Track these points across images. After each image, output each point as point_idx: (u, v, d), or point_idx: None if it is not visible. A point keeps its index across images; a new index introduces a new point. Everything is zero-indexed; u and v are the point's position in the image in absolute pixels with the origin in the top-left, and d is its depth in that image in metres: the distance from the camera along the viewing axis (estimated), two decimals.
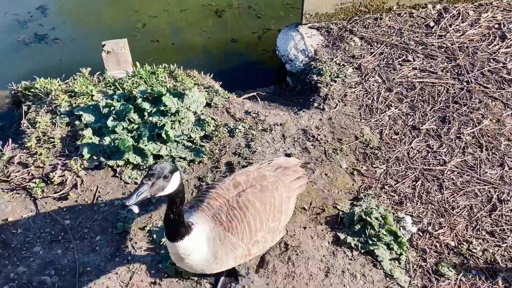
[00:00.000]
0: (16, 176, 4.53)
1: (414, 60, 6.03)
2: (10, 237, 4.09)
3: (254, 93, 5.92)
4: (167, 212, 2.78)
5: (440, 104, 5.48)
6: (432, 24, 6.52)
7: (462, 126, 5.21)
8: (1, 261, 3.91)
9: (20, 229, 4.15)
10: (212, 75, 5.82)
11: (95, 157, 4.68)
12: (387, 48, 6.20)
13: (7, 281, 3.78)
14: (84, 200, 4.39)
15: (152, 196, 2.62)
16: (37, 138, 4.88)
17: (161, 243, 4.01)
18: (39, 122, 4.99)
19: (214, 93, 5.47)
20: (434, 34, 6.36)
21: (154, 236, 4.07)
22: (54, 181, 4.45)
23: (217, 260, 3.12)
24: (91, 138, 4.80)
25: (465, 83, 5.70)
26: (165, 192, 2.64)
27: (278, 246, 4.05)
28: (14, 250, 4.00)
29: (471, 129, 5.18)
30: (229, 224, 3.18)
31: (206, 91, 5.49)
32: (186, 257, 3.00)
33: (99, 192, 4.45)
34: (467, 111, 5.38)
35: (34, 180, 4.48)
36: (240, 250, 3.22)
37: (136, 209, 3.85)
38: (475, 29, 6.42)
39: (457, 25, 6.48)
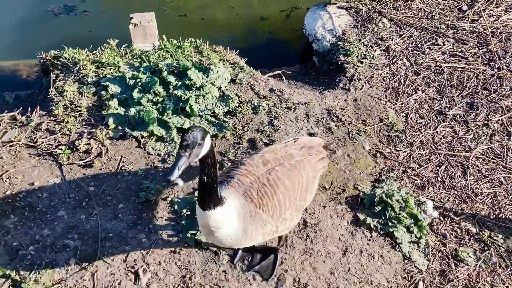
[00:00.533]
0: (43, 142, 4.63)
1: (444, 44, 5.90)
2: (36, 200, 4.20)
3: (279, 71, 5.89)
4: (201, 176, 2.79)
5: (468, 89, 5.37)
6: (465, 8, 6.35)
7: (490, 113, 5.11)
8: (27, 223, 4.03)
9: (46, 194, 4.25)
10: (237, 52, 5.80)
11: (120, 128, 4.74)
12: (416, 31, 6.07)
13: (33, 242, 3.89)
14: (108, 168, 4.46)
15: (189, 164, 2.65)
16: (64, 106, 4.96)
17: (182, 213, 4.07)
18: (67, 91, 5.07)
19: (239, 70, 5.46)
20: (467, 18, 6.20)
21: (176, 207, 4.13)
22: (80, 148, 4.54)
23: (246, 235, 3.16)
24: (116, 109, 4.86)
25: (496, 70, 5.57)
26: (200, 157, 2.68)
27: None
28: (40, 213, 4.11)
29: (499, 116, 5.07)
30: (260, 201, 3.21)
31: (231, 67, 5.49)
32: (216, 231, 3.03)
33: (123, 161, 4.52)
34: (496, 98, 5.26)
35: (60, 147, 4.57)
36: (269, 227, 3.26)
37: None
38: (509, 14, 6.23)
39: (491, 9, 6.30)
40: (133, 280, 3.69)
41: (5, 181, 4.32)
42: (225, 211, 2.96)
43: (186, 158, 2.61)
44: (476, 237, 4.09)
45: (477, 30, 6.05)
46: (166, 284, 3.67)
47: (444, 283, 3.79)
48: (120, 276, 3.71)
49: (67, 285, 3.64)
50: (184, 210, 4.07)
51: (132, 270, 3.74)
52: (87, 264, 3.77)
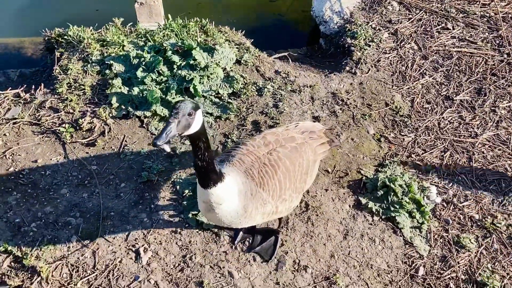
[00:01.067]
0: (47, 120, 4.63)
1: (453, 29, 5.80)
2: (39, 178, 4.21)
3: (286, 53, 5.83)
4: (195, 160, 2.80)
5: (477, 75, 5.28)
6: None
7: (498, 99, 5.03)
8: (30, 200, 4.05)
9: (49, 171, 4.26)
10: (243, 32, 5.73)
11: (123, 107, 4.72)
12: (426, 15, 5.96)
13: (35, 219, 3.91)
14: (111, 147, 4.46)
15: (179, 135, 2.63)
16: (68, 84, 4.94)
17: (184, 194, 4.07)
18: (71, 69, 5.05)
19: (245, 50, 5.41)
20: (478, 2, 6.08)
21: (178, 187, 4.13)
22: (83, 127, 4.53)
23: (246, 213, 3.15)
24: (120, 88, 4.83)
25: (505, 55, 5.47)
26: (191, 130, 2.65)
27: (298, 205, 4.05)
28: (42, 191, 4.12)
29: (507, 103, 5.00)
30: (261, 180, 3.21)
31: (236, 47, 5.43)
32: (217, 207, 3.02)
33: (125, 141, 4.52)
34: (504, 84, 5.18)
35: (63, 125, 4.57)
36: (269, 207, 3.26)
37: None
38: None
39: None
40: (134, 258, 3.70)
41: (9, 158, 4.34)
42: (226, 186, 2.97)
43: (175, 125, 2.59)
44: (479, 223, 4.06)
45: (487, 15, 5.93)
46: (166, 263, 3.69)
47: (444, 268, 3.78)
48: (121, 254, 3.73)
49: (68, 262, 3.67)
50: (186, 191, 4.07)
51: (133, 249, 3.76)
52: (88, 242, 3.79)
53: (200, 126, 2.69)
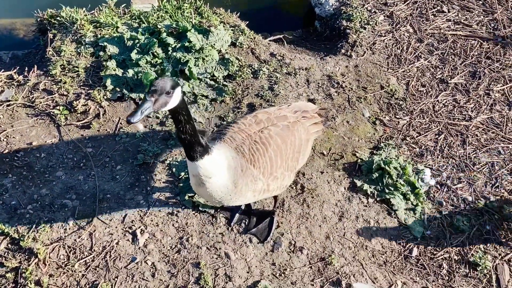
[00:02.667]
0: (41, 102, 4.59)
1: (449, 12, 5.79)
2: (34, 160, 4.20)
3: (281, 36, 5.80)
4: (177, 132, 2.81)
5: (471, 58, 5.30)
6: None
7: (492, 82, 5.06)
8: (25, 183, 4.04)
9: (44, 154, 4.24)
10: (238, 14, 5.68)
11: (118, 89, 4.69)
12: None
13: (31, 202, 3.91)
14: (106, 130, 4.44)
15: (155, 112, 2.62)
16: (62, 66, 4.90)
17: (180, 176, 4.08)
18: (64, 51, 5.00)
19: (240, 33, 5.37)
20: None
21: (174, 169, 4.13)
22: (78, 109, 4.51)
23: (236, 189, 3.16)
24: (114, 70, 4.79)
25: (500, 39, 5.48)
26: (168, 107, 2.64)
27: (294, 187, 4.08)
28: (38, 173, 4.11)
29: (501, 86, 5.02)
30: (251, 157, 3.22)
31: (231, 30, 5.39)
32: (207, 180, 3.02)
33: (121, 123, 4.50)
34: (499, 68, 5.20)
35: (58, 107, 4.54)
36: (260, 184, 3.26)
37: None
38: None
39: None
40: (131, 240, 3.72)
41: (3, 140, 4.31)
42: (214, 159, 2.97)
43: (151, 103, 2.58)
44: (472, 205, 4.12)
45: None
46: (163, 245, 3.71)
47: (438, 249, 3.84)
48: (118, 236, 3.74)
49: (65, 243, 3.68)
50: (182, 173, 4.08)
51: (130, 231, 3.77)
52: (85, 224, 3.80)
53: (179, 101, 2.67)
